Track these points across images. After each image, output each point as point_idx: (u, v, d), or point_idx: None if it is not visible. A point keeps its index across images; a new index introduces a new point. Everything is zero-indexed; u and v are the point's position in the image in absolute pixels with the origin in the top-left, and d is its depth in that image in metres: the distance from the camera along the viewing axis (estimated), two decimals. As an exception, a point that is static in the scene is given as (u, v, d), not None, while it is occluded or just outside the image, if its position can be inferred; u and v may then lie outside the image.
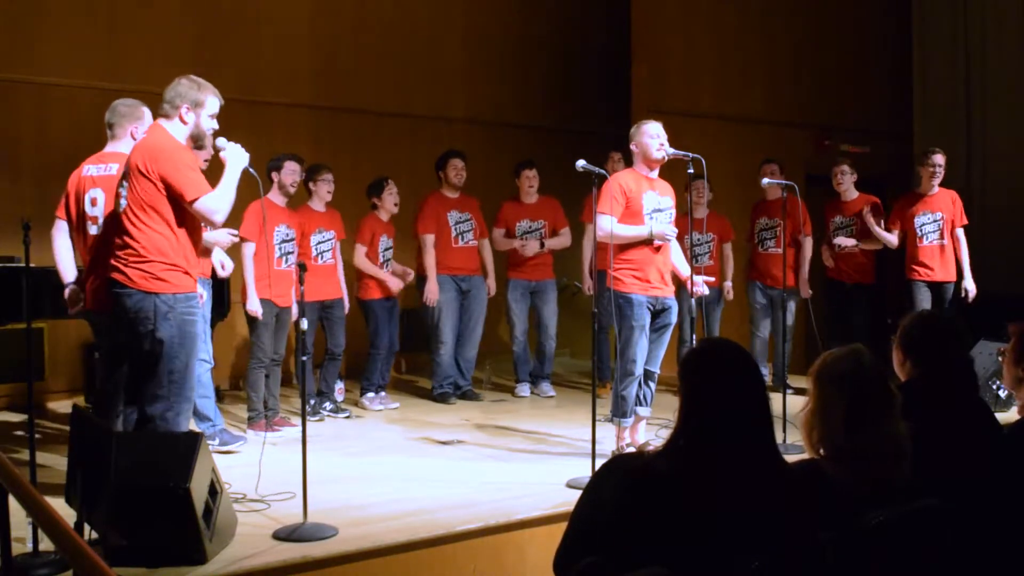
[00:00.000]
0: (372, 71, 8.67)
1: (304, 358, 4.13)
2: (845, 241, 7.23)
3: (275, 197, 6.01)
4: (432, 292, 6.93)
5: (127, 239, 3.90)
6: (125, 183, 3.95)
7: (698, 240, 7.15)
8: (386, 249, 6.80)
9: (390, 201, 6.78)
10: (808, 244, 7.28)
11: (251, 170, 4.14)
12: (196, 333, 4.01)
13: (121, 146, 4.52)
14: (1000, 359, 3.36)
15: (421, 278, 7.10)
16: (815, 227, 7.46)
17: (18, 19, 7.11)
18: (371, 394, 6.86)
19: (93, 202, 4.47)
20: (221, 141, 4.15)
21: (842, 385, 2.53)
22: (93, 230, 4.46)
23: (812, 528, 2.30)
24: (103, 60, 7.35)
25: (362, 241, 6.69)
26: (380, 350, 6.80)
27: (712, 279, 5.90)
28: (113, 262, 3.93)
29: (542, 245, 7.25)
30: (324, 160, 6.86)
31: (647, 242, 5.07)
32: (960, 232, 7.05)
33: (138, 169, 3.87)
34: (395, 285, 6.77)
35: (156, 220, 3.88)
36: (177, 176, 3.85)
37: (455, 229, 7.05)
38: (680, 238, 5.39)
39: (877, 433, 2.49)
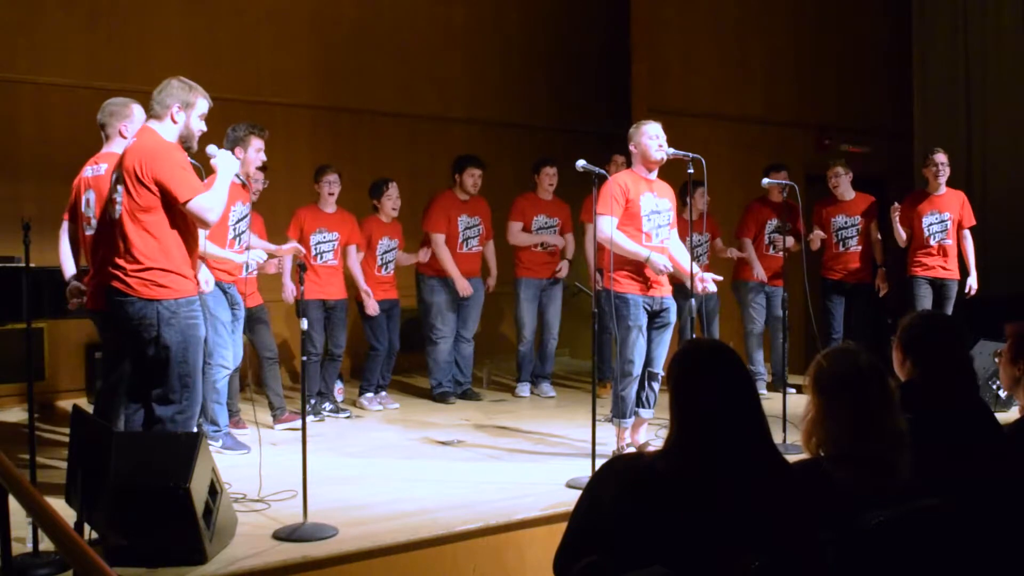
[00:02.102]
0: (372, 71, 8.67)
1: (305, 358, 4.13)
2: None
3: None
4: (463, 288, 6.93)
5: (125, 247, 3.89)
6: (119, 188, 3.94)
7: (697, 241, 7.15)
8: (386, 252, 6.79)
9: (388, 205, 6.77)
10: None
11: (239, 178, 4.14)
12: (200, 336, 4.02)
13: (114, 146, 4.53)
14: (997, 360, 3.36)
15: (420, 276, 7.10)
16: (807, 226, 7.45)
17: (18, 19, 7.11)
18: (369, 394, 6.86)
19: (87, 203, 4.50)
20: (212, 148, 4.17)
21: (843, 389, 2.53)
22: (89, 231, 4.47)
23: (812, 528, 2.30)
24: (103, 60, 7.35)
25: (360, 246, 6.66)
26: (379, 351, 6.81)
27: (720, 277, 5.85)
28: (112, 270, 3.92)
29: (569, 262, 7.38)
30: (323, 160, 6.86)
31: (644, 237, 5.07)
32: (967, 232, 7.07)
33: (133, 173, 3.86)
34: (371, 308, 6.65)
35: (153, 225, 3.88)
36: (170, 177, 3.85)
37: (463, 235, 7.06)
38: (681, 240, 5.39)
39: (879, 433, 2.49)
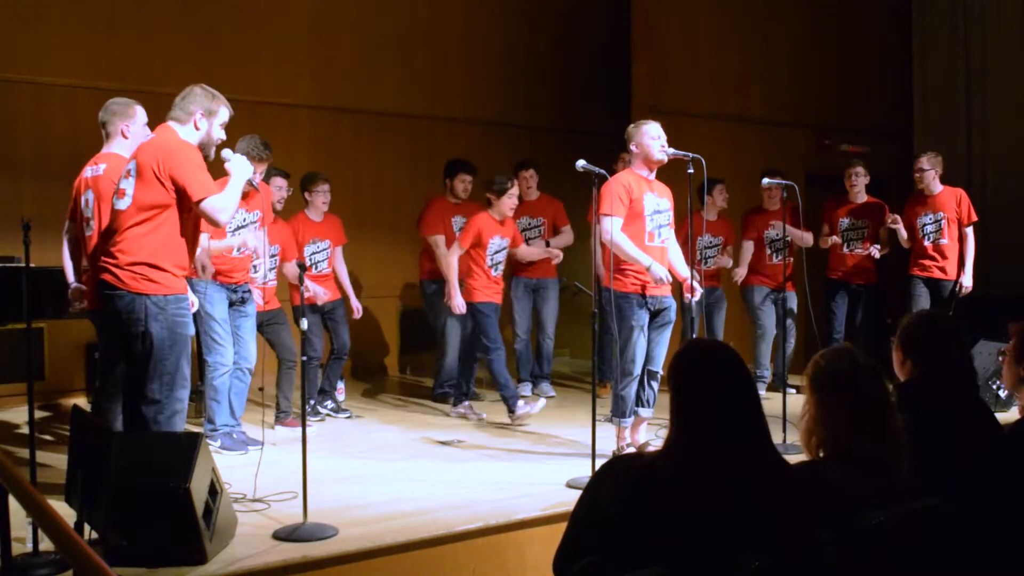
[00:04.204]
0: (372, 71, 8.67)
1: (304, 359, 4.13)
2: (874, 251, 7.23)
3: None
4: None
5: (121, 238, 3.90)
6: (130, 180, 3.94)
7: (709, 243, 7.15)
8: (496, 252, 6.34)
9: (507, 204, 6.27)
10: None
11: (254, 183, 4.14)
12: (187, 335, 4.01)
13: (114, 146, 4.54)
14: (1000, 359, 3.35)
15: (424, 281, 7.09)
16: (814, 226, 7.44)
17: (18, 19, 7.11)
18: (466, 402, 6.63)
19: (87, 203, 4.51)
20: (227, 152, 4.19)
21: (841, 388, 2.53)
22: (88, 231, 4.49)
23: (812, 528, 2.30)
24: (103, 60, 7.35)
25: (461, 242, 6.26)
26: (499, 346, 6.34)
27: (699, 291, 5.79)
28: (104, 262, 3.93)
29: (548, 244, 7.20)
30: (323, 160, 6.84)
31: (648, 236, 5.08)
32: (968, 230, 7.07)
33: (149, 168, 3.88)
34: (458, 306, 6.22)
35: (156, 221, 3.89)
36: (186, 175, 3.88)
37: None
38: (693, 239, 5.40)
39: (878, 432, 2.50)
